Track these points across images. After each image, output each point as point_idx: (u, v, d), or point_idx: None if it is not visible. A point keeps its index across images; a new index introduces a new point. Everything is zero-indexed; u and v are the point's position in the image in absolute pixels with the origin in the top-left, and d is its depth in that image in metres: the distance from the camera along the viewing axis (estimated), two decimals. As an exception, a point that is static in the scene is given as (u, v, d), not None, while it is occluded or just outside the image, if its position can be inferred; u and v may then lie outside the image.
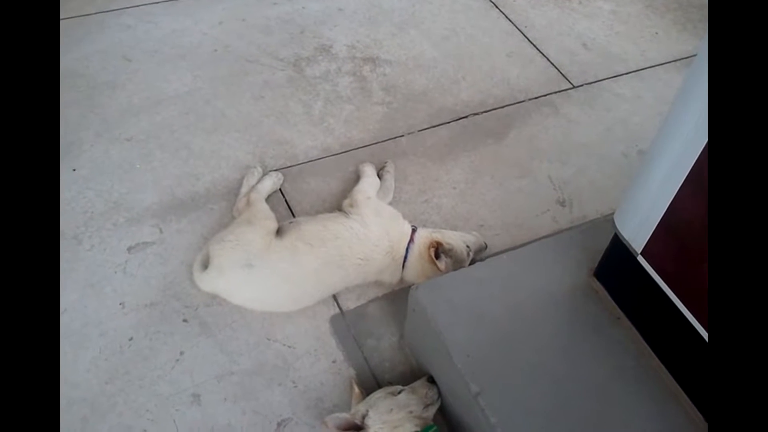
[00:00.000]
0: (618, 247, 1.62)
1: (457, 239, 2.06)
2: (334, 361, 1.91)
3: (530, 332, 1.71)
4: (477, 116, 2.66)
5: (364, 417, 1.67)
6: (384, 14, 3.11)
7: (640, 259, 1.53)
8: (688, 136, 1.31)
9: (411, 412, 1.69)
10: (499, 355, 1.65)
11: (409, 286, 1.79)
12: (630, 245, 1.56)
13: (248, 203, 2.12)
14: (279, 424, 1.77)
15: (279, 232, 2.02)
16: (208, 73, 2.74)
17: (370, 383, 1.86)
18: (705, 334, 1.41)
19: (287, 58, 2.84)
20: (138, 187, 2.30)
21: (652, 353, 1.64)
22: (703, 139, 1.26)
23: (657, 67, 2.95)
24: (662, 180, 1.40)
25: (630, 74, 2.92)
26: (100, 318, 1.94)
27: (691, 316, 1.44)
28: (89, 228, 2.16)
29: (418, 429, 1.67)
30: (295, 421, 1.78)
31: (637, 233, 1.52)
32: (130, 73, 2.71)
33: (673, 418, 1.56)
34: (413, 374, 1.86)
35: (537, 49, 3.01)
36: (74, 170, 2.32)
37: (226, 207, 2.24)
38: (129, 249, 2.12)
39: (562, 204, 2.36)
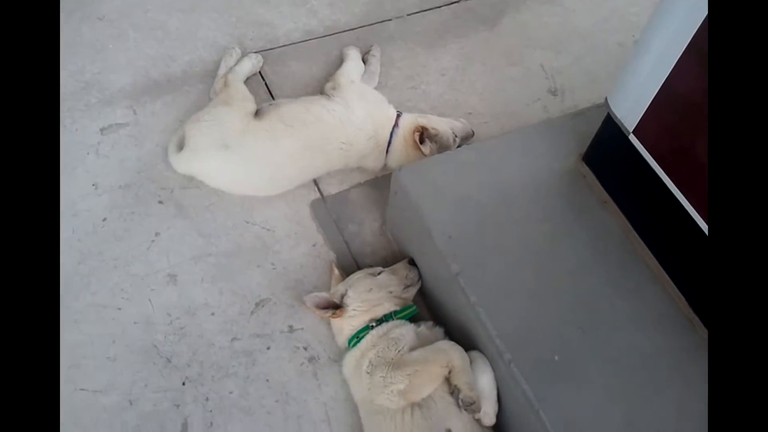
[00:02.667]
0: (609, 129, 1.56)
1: (443, 125, 1.99)
2: (314, 245, 1.88)
3: (515, 215, 1.67)
4: (469, 1, 2.52)
5: (343, 296, 1.65)
6: None
7: (632, 138, 1.48)
8: (687, 8, 1.22)
9: (390, 292, 1.67)
10: (481, 236, 1.62)
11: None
12: (622, 124, 1.49)
13: (226, 84, 2.02)
14: (257, 304, 1.76)
15: (258, 114, 1.93)
16: (184, -50, 2.56)
17: (350, 267, 1.83)
18: (695, 215, 1.37)
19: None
20: (111, 68, 2.18)
21: (637, 236, 1.62)
22: (703, 11, 1.18)
23: (660, -44, 2.79)
24: (660, 54, 1.33)
25: (631, -39, 2.77)
26: (73, 199, 1.88)
27: (681, 195, 1.39)
28: (60, 109, 2.05)
29: (397, 308, 1.66)
30: (274, 302, 1.76)
31: (630, 111, 1.46)
32: (101, -53, 2.53)
33: (655, 299, 1.55)
34: (394, 259, 1.83)
35: (535, -68, 2.83)
36: (42, 47, 2.19)
37: (202, 89, 2.14)
38: (102, 130, 2.04)
39: (554, 93, 2.28)
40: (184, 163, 1.89)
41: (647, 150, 1.44)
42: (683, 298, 1.53)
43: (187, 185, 1.93)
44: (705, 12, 1.17)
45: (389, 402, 1.48)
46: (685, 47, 1.27)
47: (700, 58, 1.23)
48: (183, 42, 2.28)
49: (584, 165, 1.73)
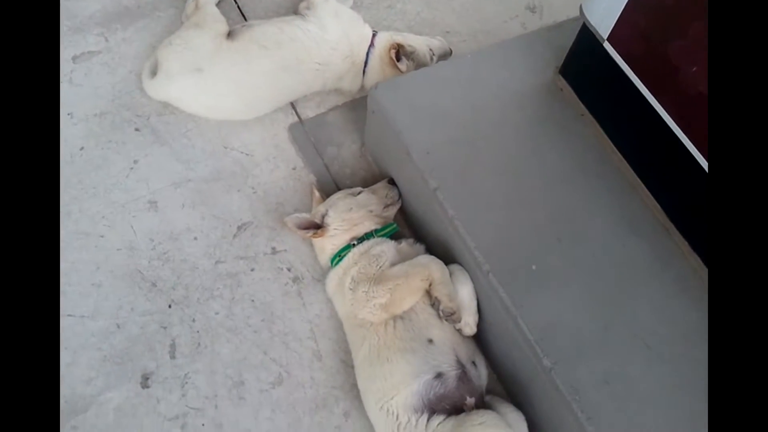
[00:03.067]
0: (585, 38, 1.56)
1: (420, 42, 1.96)
2: (293, 168, 1.88)
3: (492, 130, 1.67)
4: None
5: (323, 216, 1.67)
6: None
7: (606, 46, 1.47)
8: None
9: (371, 211, 1.69)
10: (459, 152, 1.63)
11: (371, 94, 1.72)
12: (597, 32, 1.48)
13: (197, 7, 1.97)
14: (239, 228, 1.77)
15: (231, 36, 1.89)
16: None
17: (330, 190, 1.84)
18: (669, 120, 1.38)
19: None
20: (79, -6, 2.12)
21: (613, 147, 1.63)
22: None
23: None
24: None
25: None
26: (48, 128, 1.86)
27: (655, 101, 1.40)
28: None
29: (378, 227, 1.68)
30: (256, 224, 1.77)
31: (605, 18, 1.45)
32: None
33: (631, 207, 1.58)
34: (374, 180, 1.83)
35: None
36: (4, -26, 2.12)
37: (174, 14, 2.09)
38: (74, 58, 1.99)
39: (533, 10, 2.25)
40: (158, 89, 1.87)
41: (621, 57, 1.44)
42: (659, 206, 1.56)
43: (163, 112, 1.91)
44: None
45: (372, 316, 1.51)
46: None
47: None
48: (152, -36, 2.21)
49: (561, 78, 1.72)
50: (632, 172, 1.60)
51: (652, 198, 1.57)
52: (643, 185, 1.58)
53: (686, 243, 1.50)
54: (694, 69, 1.28)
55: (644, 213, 1.57)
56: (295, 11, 2.03)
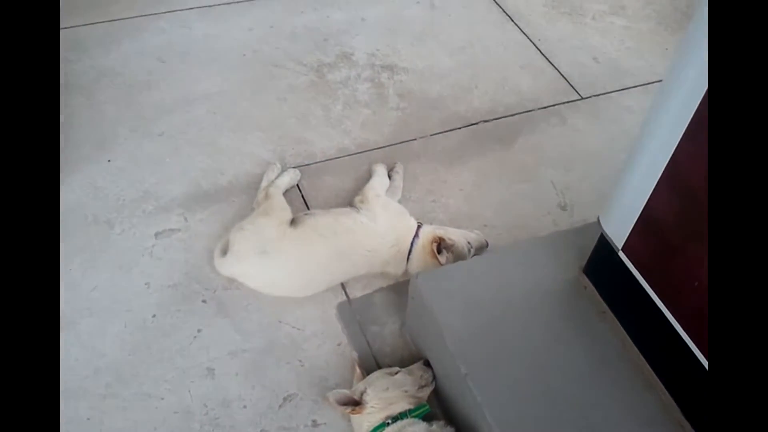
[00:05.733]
0: (603, 245, 1.75)
1: (459, 236, 2.19)
2: (338, 344, 2.05)
3: (520, 322, 1.83)
4: (487, 123, 2.80)
5: (362, 394, 1.80)
6: (404, 24, 3.27)
7: (621, 255, 1.66)
8: (662, 141, 1.43)
9: (406, 391, 1.82)
10: (489, 341, 1.78)
11: (412, 278, 1.93)
12: (612, 242, 1.68)
13: (266, 196, 2.28)
14: (285, 399, 1.92)
15: (294, 223, 2.17)
16: (236, 76, 2.92)
17: (371, 366, 2.00)
18: (677, 326, 1.52)
19: (310, 64, 3.00)
20: (167, 179, 2.47)
21: (633, 345, 1.76)
22: (674, 142, 1.39)
23: (665, 82, 3.05)
24: (640, 180, 1.53)
25: (638, 87, 3.03)
26: (127, 296, 2.12)
27: (667, 311, 1.55)
28: (121, 214, 2.33)
29: (411, 407, 1.80)
30: (300, 397, 1.92)
31: (618, 230, 1.65)
32: (164, 73, 2.90)
33: (649, 406, 1.67)
34: (412, 359, 1.98)
35: (549, 61, 3.13)
36: (109, 161, 2.50)
37: (246, 200, 2.40)
38: (156, 235, 2.29)
39: (563, 208, 2.48)
40: (227, 267, 2.13)
41: (634, 266, 1.62)
42: (675, 404, 1.65)
43: (229, 286, 2.15)
44: (676, 143, 1.38)
45: (402, 495, 1.60)
46: (660, 174, 1.47)
47: (674, 186, 1.43)
48: (231, 157, 2.57)
49: (584, 277, 1.90)
50: (650, 369, 1.71)
51: (668, 395, 1.66)
52: (660, 383, 1.68)
53: (702, 442, 1.58)
54: (696, 284, 1.44)
55: (661, 411, 1.66)
56: (350, 203, 2.32)
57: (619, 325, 1.80)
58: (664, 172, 1.44)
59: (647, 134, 1.49)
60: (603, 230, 1.71)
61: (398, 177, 2.46)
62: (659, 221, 1.52)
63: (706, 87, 1.25)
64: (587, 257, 1.90)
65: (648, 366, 1.72)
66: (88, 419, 1.84)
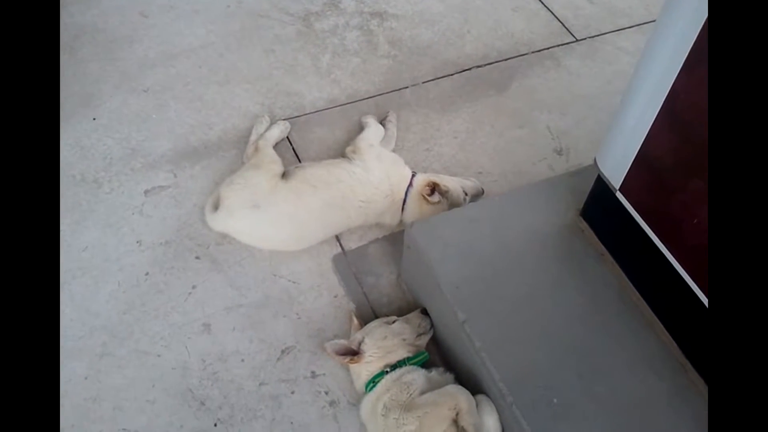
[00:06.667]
0: (600, 186, 1.72)
1: (454, 183, 2.16)
2: (335, 296, 2.04)
3: (517, 267, 1.81)
4: (480, 69, 2.73)
5: (360, 343, 1.80)
6: (393, -31, 3.16)
7: (619, 195, 1.62)
8: (660, 75, 1.38)
9: (404, 339, 1.81)
10: (486, 287, 1.76)
11: (408, 228, 1.90)
12: (609, 182, 1.65)
13: (256, 149, 2.24)
14: (283, 351, 1.91)
15: (285, 176, 2.13)
16: (221, 28, 2.84)
17: (369, 317, 1.98)
18: (676, 265, 1.50)
19: (297, 13, 2.92)
20: (154, 136, 2.42)
21: (632, 286, 1.74)
22: (673, 75, 1.34)
23: (661, 21, 2.97)
24: (637, 118, 1.48)
25: (633, 28, 2.95)
26: (119, 255, 2.09)
27: (665, 249, 1.53)
28: (108, 173, 2.29)
29: (410, 355, 1.79)
30: (298, 349, 1.92)
31: (616, 170, 1.61)
32: (146, 27, 2.81)
33: (649, 345, 1.66)
34: (409, 309, 1.97)
35: (542, 3, 3.05)
36: (94, 119, 2.45)
37: (236, 154, 2.36)
38: (145, 192, 2.25)
39: (559, 153, 2.44)
40: (219, 222, 2.09)
41: (632, 206, 1.59)
42: (675, 344, 1.64)
43: (221, 242, 2.12)
44: (674, 76, 1.33)
45: (402, 442, 1.61)
46: (658, 110, 1.42)
47: (673, 122, 1.39)
48: (219, 111, 2.51)
49: (582, 220, 1.87)
50: (649, 310, 1.70)
51: (668, 335, 1.66)
52: (660, 323, 1.68)
53: (702, 380, 1.58)
54: (695, 221, 1.41)
55: (661, 350, 1.65)
56: (342, 154, 2.27)
57: (618, 266, 1.78)
58: (662, 107, 1.40)
59: (644, 68, 1.44)
60: (600, 171, 1.68)
61: (392, 126, 2.41)
62: (657, 159, 1.48)
63: (705, 15, 1.20)
64: (584, 200, 1.88)
65: (647, 307, 1.71)
66: (86, 378, 1.83)
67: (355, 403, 1.81)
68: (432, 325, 1.87)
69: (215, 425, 1.78)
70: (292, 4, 2.95)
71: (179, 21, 2.86)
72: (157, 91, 2.57)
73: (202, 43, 2.77)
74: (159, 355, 1.89)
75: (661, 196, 1.50)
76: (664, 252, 1.53)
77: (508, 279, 1.78)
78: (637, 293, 1.73)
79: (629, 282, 1.76)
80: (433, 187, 2.09)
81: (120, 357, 1.88)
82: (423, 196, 2.08)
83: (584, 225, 1.87)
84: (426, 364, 1.80)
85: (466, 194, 2.16)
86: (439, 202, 2.08)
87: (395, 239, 2.16)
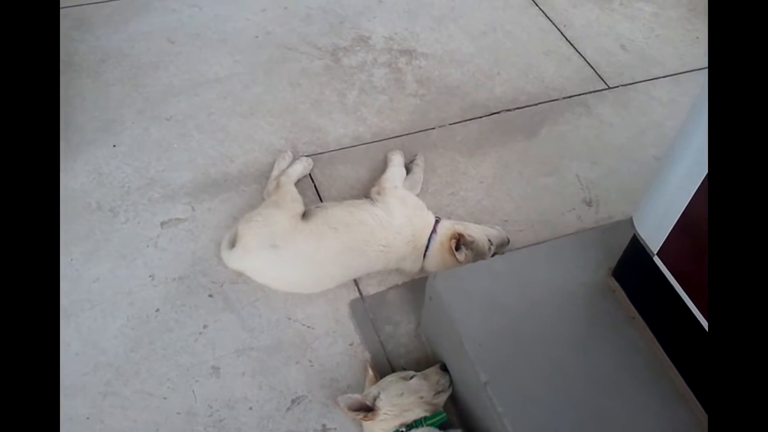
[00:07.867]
0: (636, 247, 1.63)
1: (479, 232, 2.08)
2: (351, 344, 1.96)
3: (544, 326, 1.73)
4: (509, 112, 2.67)
5: (375, 399, 1.71)
6: (423, 7, 3.13)
7: (656, 260, 1.54)
8: (703, 141, 1.31)
9: (421, 397, 1.72)
10: (510, 346, 1.68)
11: (429, 276, 1.82)
12: (647, 245, 1.56)
13: (278, 186, 2.18)
14: (293, 401, 1.83)
15: (306, 215, 2.07)
16: (247, 59, 2.81)
17: (384, 368, 1.90)
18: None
19: (325, 47, 2.89)
20: (174, 166, 2.38)
21: (664, 353, 1.65)
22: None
23: (695, 72, 2.91)
24: (679, 182, 1.41)
25: (667, 78, 2.89)
26: (130, 288, 2.03)
27: (701, 316, 1.44)
28: (125, 202, 2.24)
29: (427, 414, 1.71)
30: (309, 399, 1.83)
31: (654, 234, 1.53)
32: (173, 55, 2.79)
33: (680, 418, 1.56)
34: (427, 362, 1.89)
35: (574, 48, 2.99)
36: (114, 146, 2.41)
37: (256, 189, 2.31)
38: (162, 224, 2.20)
39: (589, 204, 2.36)
40: (235, 260, 2.03)
41: (671, 272, 1.50)
42: (707, 417, 1.54)
43: (236, 280, 2.06)
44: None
45: (415, 507, 1.52)
46: (702, 179, 1.34)
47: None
48: (241, 144, 2.47)
49: (613, 280, 1.79)
50: (682, 380, 1.60)
51: (701, 408, 1.56)
52: (692, 395, 1.58)
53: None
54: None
55: (692, 424, 1.55)
56: (365, 194, 2.21)
57: (650, 332, 1.69)
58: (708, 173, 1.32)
59: (690, 129, 1.37)
60: (637, 233, 1.60)
61: (419, 170, 2.35)
62: (701, 226, 1.40)
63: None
64: (616, 259, 1.79)
65: (680, 377, 1.61)
66: (88, 418, 1.76)
67: (367, 461, 1.73)
68: (451, 383, 1.78)
69: (219, 476, 1.70)
70: (321, 38, 2.93)
71: (206, 49, 2.84)
72: (180, 120, 2.54)
73: (228, 73, 2.74)
74: (165, 398, 1.82)
75: (704, 264, 1.42)
76: (701, 322, 1.44)
77: (533, 339, 1.70)
78: (670, 362, 1.64)
79: (661, 349, 1.66)
80: (459, 239, 2.01)
81: (124, 397, 1.81)
82: (450, 247, 2.00)
83: (615, 285, 1.78)
84: (444, 425, 1.71)
85: (491, 244, 2.08)
86: (465, 258, 2.01)
87: (416, 286, 2.08)
